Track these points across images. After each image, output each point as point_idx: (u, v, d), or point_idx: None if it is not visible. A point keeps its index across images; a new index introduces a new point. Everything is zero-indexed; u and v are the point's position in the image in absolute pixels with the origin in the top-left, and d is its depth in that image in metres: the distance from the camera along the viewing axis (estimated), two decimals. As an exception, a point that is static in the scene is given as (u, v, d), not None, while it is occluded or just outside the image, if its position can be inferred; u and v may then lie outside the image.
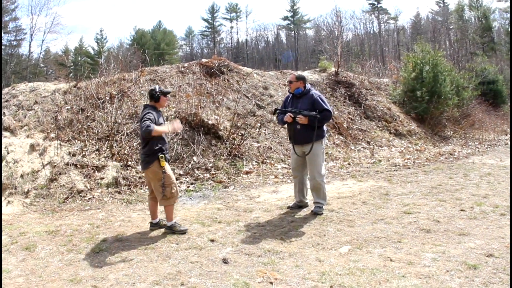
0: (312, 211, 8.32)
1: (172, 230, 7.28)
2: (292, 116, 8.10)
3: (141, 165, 7.48)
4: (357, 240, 6.73)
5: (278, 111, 8.74)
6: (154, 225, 7.60)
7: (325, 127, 8.46)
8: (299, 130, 8.17)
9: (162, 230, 7.40)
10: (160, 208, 7.69)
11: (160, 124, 7.09)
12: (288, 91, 8.69)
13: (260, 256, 6.09)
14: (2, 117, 11.39)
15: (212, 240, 6.81)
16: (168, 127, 7.11)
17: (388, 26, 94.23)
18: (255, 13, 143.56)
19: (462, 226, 7.25)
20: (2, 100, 12.37)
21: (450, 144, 18.98)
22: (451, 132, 21.04)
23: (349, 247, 6.40)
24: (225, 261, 5.91)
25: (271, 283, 5.18)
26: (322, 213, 8.20)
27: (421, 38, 27.35)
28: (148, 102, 7.48)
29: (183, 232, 7.26)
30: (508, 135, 22.47)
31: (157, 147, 7.11)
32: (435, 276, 5.26)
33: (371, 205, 8.81)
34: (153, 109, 7.20)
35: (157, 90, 7.31)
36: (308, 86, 8.56)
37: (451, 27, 75.35)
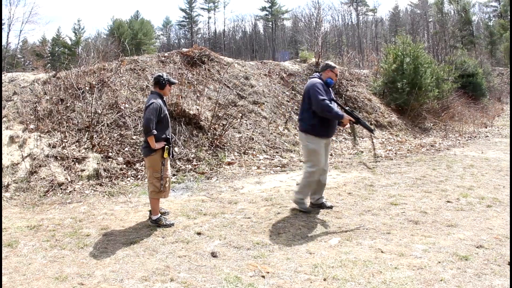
0: (328, 205, 8.06)
1: (157, 224, 7.14)
2: (353, 120, 7.59)
3: (142, 151, 7.35)
4: (346, 232, 6.68)
5: (346, 109, 7.81)
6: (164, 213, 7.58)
7: None
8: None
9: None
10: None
11: (165, 115, 7.10)
12: (320, 77, 7.74)
13: (249, 249, 6.01)
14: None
15: (199, 233, 6.71)
16: (159, 145, 6.99)
17: (367, 18, 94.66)
18: (233, 3, 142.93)
19: (449, 218, 7.28)
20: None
21: (430, 136, 19.07)
22: (431, 124, 21.13)
23: (339, 239, 6.38)
24: (213, 254, 5.81)
25: (263, 276, 5.11)
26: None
27: (401, 30, 27.44)
28: (152, 89, 7.43)
29: (169, 225, 7.13)
30: (488, 128, 22.61)
31: (163, 137, 7.05)
32: (427, 267, 5.27)
33: (357, 196, 8.77)
34: (160, 97, 7.16)
35: (165, 77, 7.22)
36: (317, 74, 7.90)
37: (430, 20, 75.91)
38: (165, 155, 7.03)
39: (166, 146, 7.04)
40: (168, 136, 7.15)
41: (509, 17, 63.98)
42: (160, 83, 7.17)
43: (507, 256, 5.57)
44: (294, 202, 7.99)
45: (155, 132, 6.81)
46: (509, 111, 28.88)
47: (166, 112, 7.21)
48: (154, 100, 6.97)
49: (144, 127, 6.81)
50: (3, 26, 58.73)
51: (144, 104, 7.41)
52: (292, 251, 5.93)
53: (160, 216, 7.26)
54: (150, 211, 7.32)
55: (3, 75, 13.08)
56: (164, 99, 7.36)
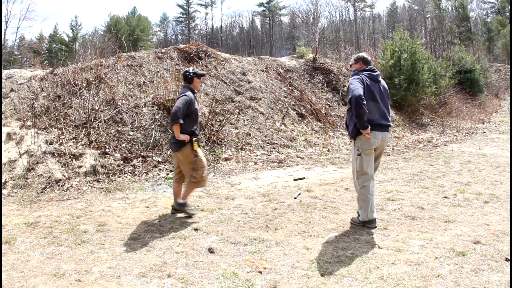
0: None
1: (180, 208, 7.43)
2: None
3: (171, 146, 7.40)
4: (343, 227, 6.70)
5: None
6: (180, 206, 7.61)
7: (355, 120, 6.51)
8: None
9: (150, 217, 7.27)
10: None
11: (195, 109, 7.18)
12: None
13: (246, 245, 6.03)
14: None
15: (196, 229, 6.72)
16: (183, 137, 7.02)
17: (364, 14, 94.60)
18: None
19: (447, 213, 7.29)
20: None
21: (427, 131, 19.10)
22: (429, 119, 21.17)
23: (336, 235, 6.38)
24: (211, 250, 5.82)
25: (260, 272, 5.12)
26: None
27: (399, 26, 27.40)
28: (183, 84, 7.55)
29: (191, 215, 7.39)
30: (485, 124, 22.63)
31: (190, 130, 7.11)
32: (424, 263, 5.29)
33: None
34: (191, 91, 7.25)
35: (191, 71, 7.31)
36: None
37: (427, 16, 75.91)
38: (195, 147, 7.16)
39: (195, 138, 7.15)
40: (195, 131, 7.23)
41: (507, 13, 64.17)
42: (187, 78, 7.29)
43: (504, 252, 5.59)
44: None
45: (181, 121, 6.88)
46: (506, 107, 28.93)
47: (197, 106, 7.32)
48: (186, 92, 7.11)
49: (172, 114, 6.88)
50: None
51: (176, 96, 7.47)
52: (289, 246, 5.94)
53: (186, 202, 7.47)
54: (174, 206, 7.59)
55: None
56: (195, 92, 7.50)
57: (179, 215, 7.46)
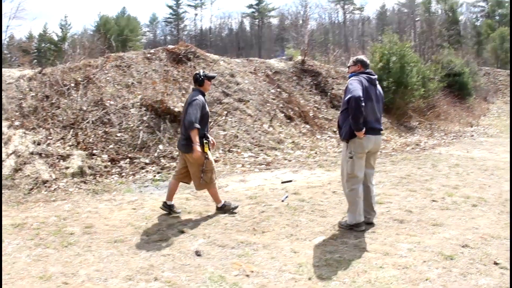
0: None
1: (223, 210, 7.62)
2: None
3: (181, 148, 7.48)
4: (331, 231, 6.73)
5: None
6: (166, 207, 7.69)
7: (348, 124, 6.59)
8: None
9: (135, 218, 7.27)
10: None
11: (206, 112, 7.30)
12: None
13: (233, 248, 6.04)
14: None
15: (183, 232, 6.73)
16: (197, 147, 7.05)
17: (353, 17, 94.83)
18: (220, 0, 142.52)
19: (435, 217, 7.33)
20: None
21: (415, 134, 19.14)
22: (417, 122, 21.20)
23: (324, 238, 6.42)
24: (197, 253, 5.83)
25: (247, 276, 5.14)
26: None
27: (388, 29, 27.43)
28: (193, 86, 7.59)
29: (235, 208, 7.72)
30: (474, 127, 22.72)
31: (201, 133, 7.17)
32: (412, 266, 5.32)
33: (342, 194, 8.64)
34: (202, 94, 7.33)
35: (201, 74, 7.39)
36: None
37: (417, 19, 76.16)
38: (206, 149, 7.22)
39: (205, 141, 7.22)
40: (206, 133, 7.34)
41: (497, 17, 64.62)
42: (198, 80, 7.36)
43: (492, 255, 5.63)
44: None
45: (198, 126, 6.97)
46: (495, 111, 29.09)
47: (208, 109, 7.39)
48: (197, 96, 7.15)
49: (188, 122, 6.98)
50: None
51: (186, 100, 7.52)
52: (276, 250, 5.96)
53: (224, 202, 7.70)
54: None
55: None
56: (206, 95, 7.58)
57: (167, 216, 7.46)
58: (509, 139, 17.75)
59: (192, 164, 7.31)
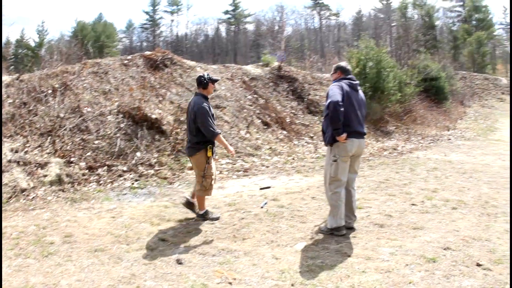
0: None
1: (204, 217, 7.62)
2: None
3: (187, 150, 7.66)
4: (312, 236, 6.78)
5: None
6: (187, 205, 7.89)
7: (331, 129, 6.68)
8: None
9: (108, 227, 7.25)
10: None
11: (212, 115, 7.35)
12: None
13: (214, 256, 6.06)
14: None
15: (163, 240, 6.73)
16: (229, 147, 7.45)
17: (329, 22, 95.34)
18: (196, 6, 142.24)
19: (415, 220, 7.42)
20: None
21: (392, 139, 19.27)
22: (394, 127, 21.35)
23: (305, 244, 6.47)
24: (179, 261, 5.85)
25: (230, 283, 5.17)
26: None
27: (365, 35, 27.63)
28: (196, 90, 7.68)
29: (216, 219, 7.65)
30: (451, 131, 22.93)
31: (207, 138, 7.27)
32: (395, 270, 5.39)
33: (321, 200, 8.83)
34: (205, 98, 7.41)
35: (206, 76, 7.45)
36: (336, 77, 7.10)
37: (393, 24, 76.77)
38: (209, 154, 7.30)
39: (209, 145, 7.29)
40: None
41: (473, 21, 65.36)
42: (203, 83, 7.42)
43: (475, 257, 5.72)
44: None
45: (219, 131, 7.23)
46: (472, 114, 29.45)
47: (213, 111, 7.47)
48: (202, 104, 7.21)
49: (208, 133, 7.14)
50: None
51: (189, 105, 7.58)
52: (257, 256, 5.99)
53: (207, 210, 7.70)
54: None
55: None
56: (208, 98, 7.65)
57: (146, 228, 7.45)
58: (488, 142, 18.03)
59: (195, 168, 7.50)
